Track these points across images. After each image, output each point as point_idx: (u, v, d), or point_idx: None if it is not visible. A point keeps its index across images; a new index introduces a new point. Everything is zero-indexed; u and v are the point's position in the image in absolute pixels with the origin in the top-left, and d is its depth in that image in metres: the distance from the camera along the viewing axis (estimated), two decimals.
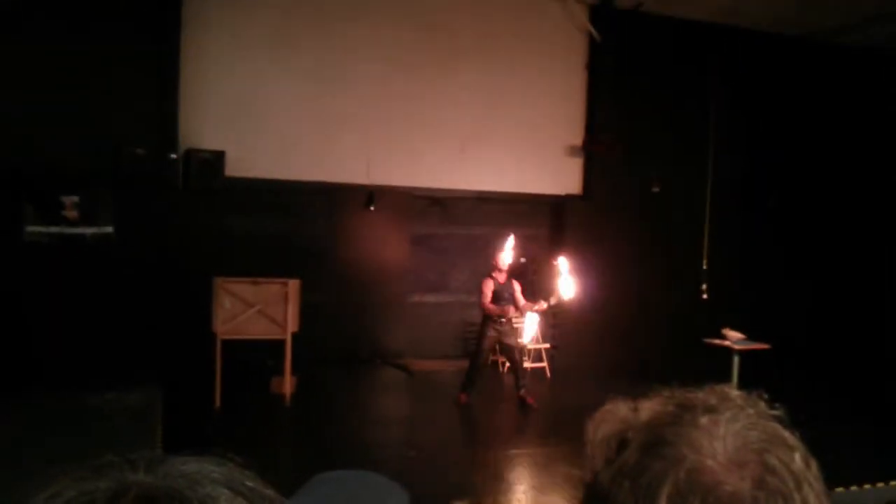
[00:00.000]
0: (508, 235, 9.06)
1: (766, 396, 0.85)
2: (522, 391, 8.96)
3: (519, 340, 9.15)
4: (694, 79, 11.64)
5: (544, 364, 10.72)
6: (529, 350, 10.55)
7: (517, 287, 8.88)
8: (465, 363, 9.31)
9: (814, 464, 0.79)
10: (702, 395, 0.85)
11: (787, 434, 0.81)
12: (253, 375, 9.01)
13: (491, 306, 8.70)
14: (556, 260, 8.57)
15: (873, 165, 12.16)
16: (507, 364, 9.59)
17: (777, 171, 12.07)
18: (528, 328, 9.03)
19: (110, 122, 9.03)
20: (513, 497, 6.40)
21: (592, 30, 11.23)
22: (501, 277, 8.82)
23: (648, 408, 0.86)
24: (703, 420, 0.80)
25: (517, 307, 8.80)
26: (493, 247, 9.24)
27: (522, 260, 10.51)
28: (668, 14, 11.27)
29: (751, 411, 0.82)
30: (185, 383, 8.66)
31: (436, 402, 9.40)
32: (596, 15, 11.26)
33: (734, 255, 11.60)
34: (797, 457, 0.78)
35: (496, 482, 6.68)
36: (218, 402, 8.38)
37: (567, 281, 8.28)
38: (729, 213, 11.66)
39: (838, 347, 11.15)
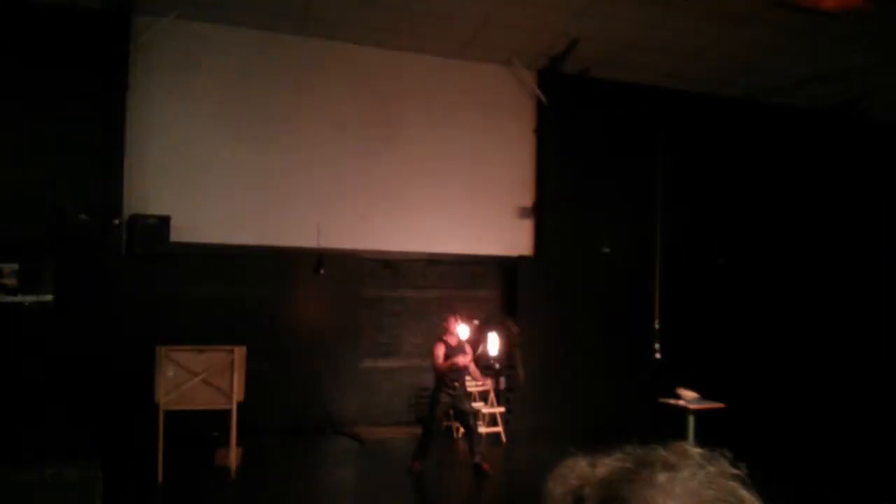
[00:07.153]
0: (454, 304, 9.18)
1: (729, 455, 0.85)
2: (477, 457, 8.79)
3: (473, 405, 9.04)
4: (640, 140, 11.85)
5: (499, 428, 10.55)
6: (484, 414, 10.41)
7: (469, 351, 8.82)
8: (418, 429, 9.14)
9: None
10: (662, 453, 0.85)
11: (745, 493, 0.80)
12: (197, 447, 8.76)
13: (444, 364, 8.60)
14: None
15: (816, 221, 12.45)
16: (462, 429, 9.44)
17: (724, 229, 12.25)
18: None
19: (53, 188, 8.88)
20: None
21: (540, 94, 11.40)
22: (453, 340, 8.74)
23: (607, 464, 0.86)
24: (660, 478, 0.79)
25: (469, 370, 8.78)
26: (444, 310, 9.18)
27: (475, 322, 10.38)
28: (614, 78, 11.53)
29: (711, 469, 0.81)
30: (127, 457, 8.43)
31: (388, 470, 9.17)
32: (544, 80, 11.46)
33: (686, 314, 11.63)
34: None
35: None
36: (161, 476, 8.10)
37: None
38: (679, 272, 11.73)
39: (793, 406, 11.15)
